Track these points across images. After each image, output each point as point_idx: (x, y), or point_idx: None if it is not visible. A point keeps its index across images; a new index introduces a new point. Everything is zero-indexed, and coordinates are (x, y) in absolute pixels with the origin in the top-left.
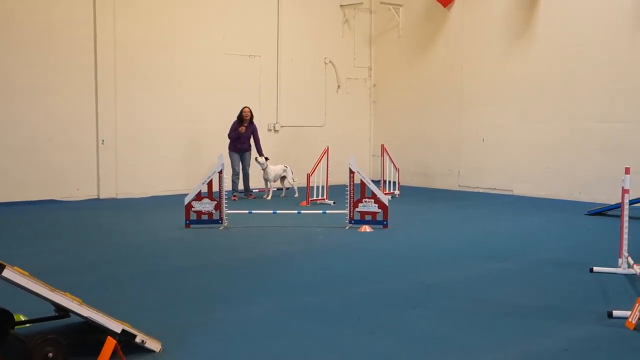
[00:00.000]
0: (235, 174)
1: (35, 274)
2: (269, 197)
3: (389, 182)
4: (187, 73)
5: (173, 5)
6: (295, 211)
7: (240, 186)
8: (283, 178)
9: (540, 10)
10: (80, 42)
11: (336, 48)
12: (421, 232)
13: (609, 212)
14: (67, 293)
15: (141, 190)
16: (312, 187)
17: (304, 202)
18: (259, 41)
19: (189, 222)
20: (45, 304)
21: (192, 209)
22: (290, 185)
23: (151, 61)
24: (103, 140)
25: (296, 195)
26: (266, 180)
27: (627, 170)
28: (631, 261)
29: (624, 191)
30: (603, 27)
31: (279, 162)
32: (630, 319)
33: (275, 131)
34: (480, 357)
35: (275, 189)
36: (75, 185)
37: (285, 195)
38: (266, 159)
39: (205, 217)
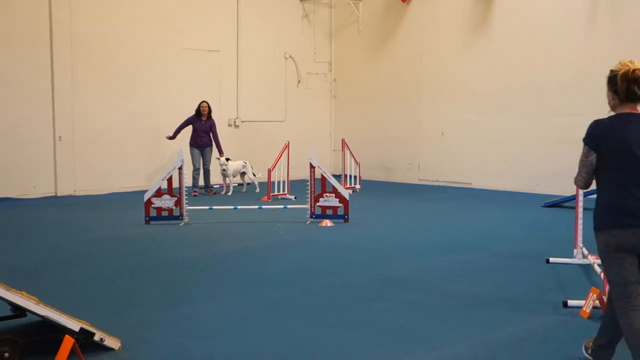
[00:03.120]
0: (195, 170)
1: None
2: (230, 193)
3: (350, 176)
4: (146, 68)
5: (131, 1)
6: (257, 206)
7: (201, 182)
8: (243, 174)
9: (496, 4)
10: (35, 37)
11: (296, 43)
12: (382, 225)
13: (565, 204)
14: (23, 292)
15: (100, 187)
16: (273, 183)
17: (265, 197)
18: (218, 36)
19: (148, 219)
20: (1, 304)
21: (152, 206)
22: (250, 181)
23: (109, 56)
24: (60, 137)
25: (257, 190)
26: (225, 176)
27: None
28: (586, 251)
29: None
30: (559, 19)
31: (240, 157)
32: (584, 308)
33: (236, 126)
34: (440, 348)
35: (236, 184)
36: (31, 183)
37: (246, 191)
38: (227, 159)
39: (165, 213)
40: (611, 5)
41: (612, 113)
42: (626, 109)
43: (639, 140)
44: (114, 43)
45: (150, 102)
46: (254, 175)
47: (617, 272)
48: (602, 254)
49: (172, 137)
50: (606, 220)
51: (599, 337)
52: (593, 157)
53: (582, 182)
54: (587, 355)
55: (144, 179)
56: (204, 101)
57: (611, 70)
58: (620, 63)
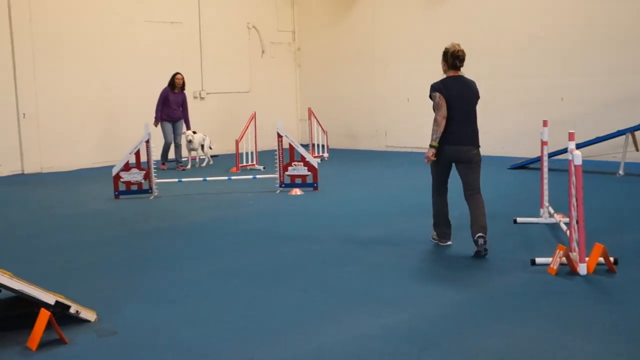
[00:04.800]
0: (167, 144)
1: None
2: (204, 165)
3: (318, 145)
4: (108, 41)
5: None
6: (226, 177)
7: (171, 155)
8: (202, 147)
9: None
10: None
11: (259, 12)
12: (350, 192)
13: (531, 166)
14: None
15: (67, 163)
16: (242, 154)
17: (234, 169)
18: (179, 7)
19: (118, 193)
20: None
21: (121, 180)
22: (203, 155)
23: (69, 30)
24: (24, 114)
25: (211, 163)
26: (191, 149)
27: (544, 123)
28: (552, 210)
29: (543, 143)
30: None
31: (207, 130)
32: (551, 265)
33: (201, 98)
34: (410, 309)
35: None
36: None
37: (213, 163)
38: (194, 132)
39: (134, 187)
40: None
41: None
42: (451, 73)
43: (459, 94)
44: (74, 16)
45: (114, 76)
46: (210, 148)
47: (436, 172)
48: (435, 161)
49: (158, 121)
50: (440, 140)
51: (434, 223)
52: (444, 101)
53: (443, 117)
54: (434, 240)
55: (110, 154)
56: (178, 73)
57: (445, 48)
58: (451, 44)
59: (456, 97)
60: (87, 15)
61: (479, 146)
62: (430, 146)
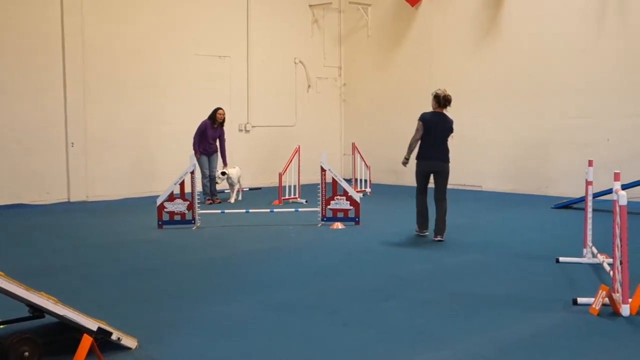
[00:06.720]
0: (205, 178)
1: (9, 275)
2: (240, 198)
3: (361, 180)
4: (157, 74)
5: (143, 6)
6: (268, 210)
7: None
8: (223, 174)
9: (505, 8)
10: (48, 43)
11: (306, 48)
12: (392, 227)
13: (575, 206)
14: (42, 292)
15: (112, 193)
16: (284, 187)
17: (277, 202)
18: (228, 42)
19: (161, 223)
20: (19, 307)
21: (165, 210)
22: (242, 187)
23: (120, 63)
24: (72, 143)
25: (240, 199)
26: (231, 184)
27: (590, 163)
28: (595, 250)
29: (588, 183)
30: (567, 23)
31: (251, 162)
32: (594, 305)
33: (247, 131)
34: (452, 346)
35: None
36: (45, 189)
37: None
38: (223, 173)
39: (177, 217)
40: (620, 9)
41: (432, 109)
42: (437, 110)
43: (437, 124)
44: (125, 49)
45: (162, 108)
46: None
47: (419, 180)
48: (417, 172)
49: (198, 154)
50: (421, 156)
51: (417, 217)
52: (422, 128)
53: (416, 140)
54: (416, 232)
55: (155, 185)
56: (220, 108)
57: (436, 92)
58: (440, 89)
59: (434, 127)
60: (138, 48)
61: (449, 162)
62: (405, 158)
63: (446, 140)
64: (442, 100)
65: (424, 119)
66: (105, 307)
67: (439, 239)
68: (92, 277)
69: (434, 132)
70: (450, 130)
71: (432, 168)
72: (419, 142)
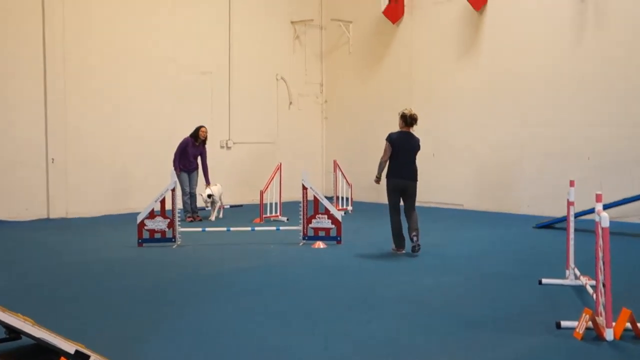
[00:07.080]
0: (186, 195)
1: None
2: (221, 216)
3: (342, 198)
4: (138, 90)
5: (124, 23)
6: (249, 228)
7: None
8: (210, 196)
9: (486, 22)
10: (29, 60)
11: (287, 64)
12: (374, 247)
13: (557, 225)
14: (18, 314)
15: (92, 209)
16: (266, 204)
17: (258, 219)
18: (210, 58)
19: (141, 241)
20: None
21: (145, 227)
22: (223, 205)
23: (101, 79)
24: (53, 159)
25: (220, 216)
26: (212, 202)
27: (571, 183)
28: (578, 272)
29: (569, 203)
30: (548, 34)
31: (232, 179)
32: (577, 329)
33: (228, 148)
34: None
35: (227, 206)
36: (23, 205)
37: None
38: (209, 196)
39: (158, 235)
40: (598, 20)
41: (398, 129)
42: (405, 129)
43: (404, 144)
44: (106, 66)
45: (142, 124)
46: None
47: (391, 198)
48: (389, 190)
49: (178, 171)
50: (391, 174)
51: (393, 236)
52: (390, 149)
53: (384, 161)
54: (393, 250)
55: (136, 202)
56: (203, 126)
57: (402, 112)
58: (406, 109)
59: (401, 146)
60: (119, 63)
61: (416, 180)
62: (376, 176)
63: (414, 159)
64: (408, 119)
65: (391, 139)
66: (81, 326)
67: (414, 234)
68: (68, 297)
69: (402, 151)
70: (417, 148)
71: (401, 186)
72: (389, 161)
